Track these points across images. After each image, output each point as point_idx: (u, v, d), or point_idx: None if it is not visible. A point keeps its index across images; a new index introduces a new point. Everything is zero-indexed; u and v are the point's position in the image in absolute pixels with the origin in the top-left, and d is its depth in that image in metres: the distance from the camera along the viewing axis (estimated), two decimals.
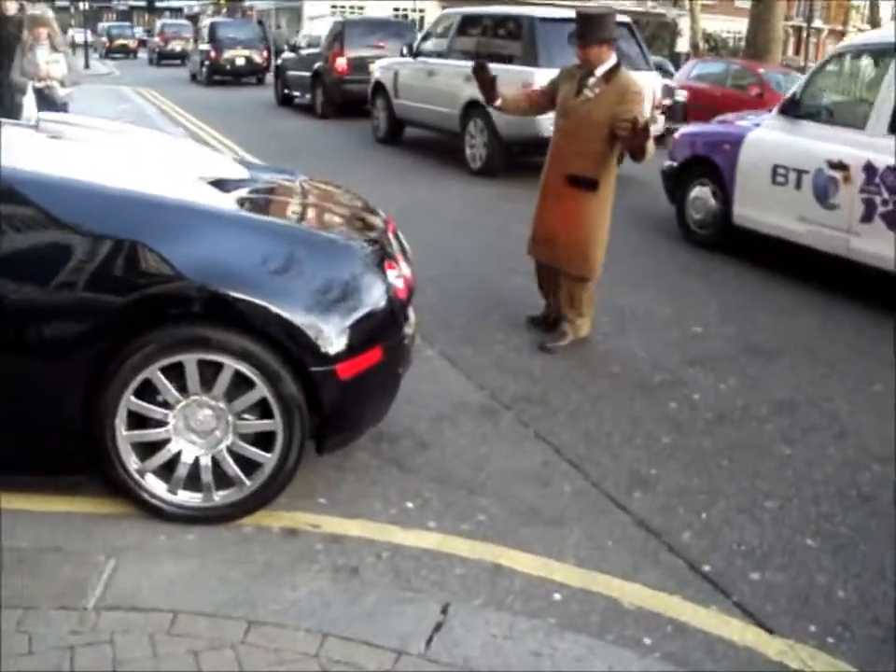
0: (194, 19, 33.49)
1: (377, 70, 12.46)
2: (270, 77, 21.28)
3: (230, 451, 2.92)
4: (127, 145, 3.52)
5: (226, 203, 3.19)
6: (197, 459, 2.93)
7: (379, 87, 12.26)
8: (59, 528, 2.89)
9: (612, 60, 4.52)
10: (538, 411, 4.09)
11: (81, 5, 40.01)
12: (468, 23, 10.71)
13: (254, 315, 2.81)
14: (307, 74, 15.66)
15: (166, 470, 2.95)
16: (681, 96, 13.07)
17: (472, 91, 8.47)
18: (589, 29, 4.48)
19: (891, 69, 5.60)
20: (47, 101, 7.32)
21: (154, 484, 2.94)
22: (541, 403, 4.18)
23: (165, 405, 2.87)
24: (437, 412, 4.01)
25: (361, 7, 32.37)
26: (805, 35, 39.80)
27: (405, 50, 11.74)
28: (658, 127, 9.53)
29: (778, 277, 6.37)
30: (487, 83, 4.77)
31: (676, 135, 7.67)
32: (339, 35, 14.95)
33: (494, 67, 9.24)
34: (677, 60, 23.54)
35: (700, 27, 25.24)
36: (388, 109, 12.02)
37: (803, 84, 6.42)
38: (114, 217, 2.87)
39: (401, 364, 3.23)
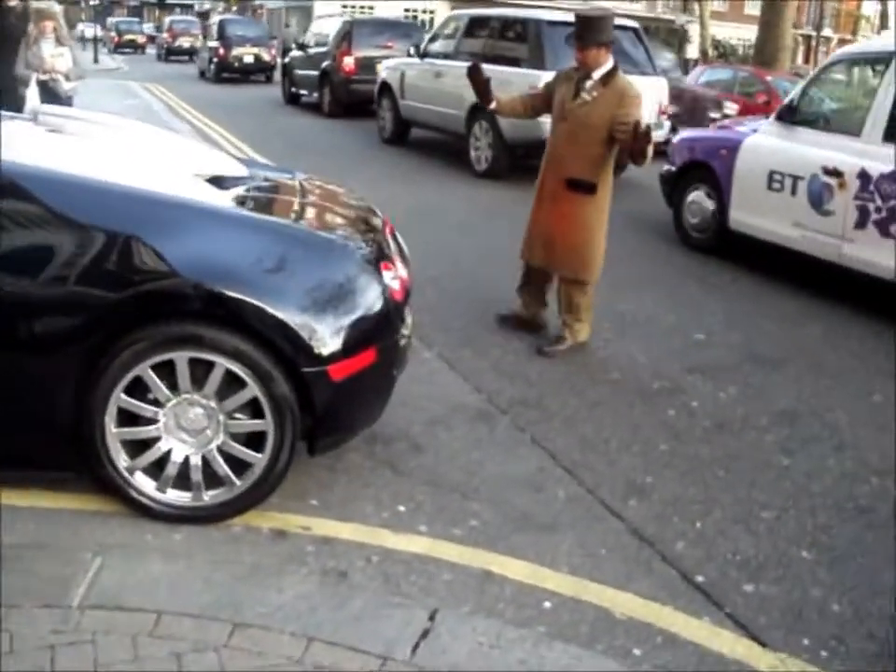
0: (204, 15, 33.51)
1: (384, 70, 12.44)
2: (278, 75, 21.29)
3: (220, 450, 2.89)
4: (125, 140, 3.49)
5: (223, 200, 3.16)
6: (187, 458, 2.90)
7: (385, 87, 12.24)
8: (46, 525, 2.86)
9: (610, 63, 4.50)
10: (534, 415, 4.06)
11: (92, 0, 40.11)
12: (475, 25, 10.69)
13: (247, 315, 2.78)
14: (315, 73, 15.65)
15: (156, 469, 2.93)
16: (731, 110, 12.97)
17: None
18: (587, 31, 4.46)
19: (887, 77, 5.64)
20: (51, 94, 7.32)
21: (143, 482, 2.91)
22: (538, 408, 4.14)
23: (156, 403, 2.84)
24: (432, 414, 3.98)
25: (371, 7, 32.37)
26: (814, 43, 39.73)
27: (412, 51, 11.72)
28: (663, 133, 9.50)
29: (780, 283, 6.34)
30: (482, 85, 4.75)
31: (675, 140, 7.71)
32: (347, 35, 14.94)
33: (500, 70, 9.35)
34: (686, 66, 23.46)
35: (709, 33, 25.20)
36: (394, 110, 12.00)
37: (800, 91, 6.45)
38: (109, 211, 2.84)
39: (396, 366, 3.20)
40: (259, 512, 3.01)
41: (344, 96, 14.78)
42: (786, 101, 6.51)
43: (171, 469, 2.89)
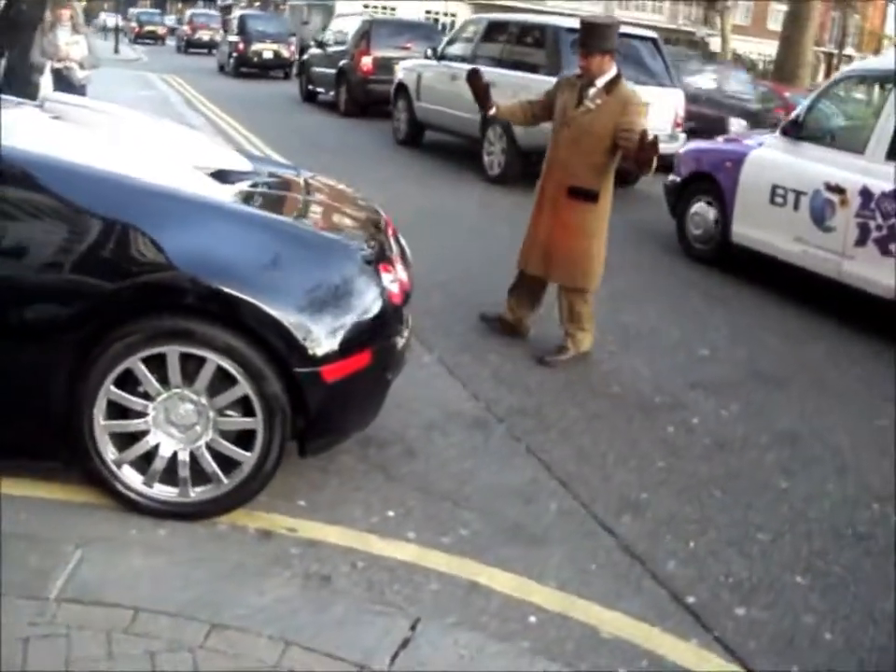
0: (227, 10, 33.59)
1: (400, 71, 12.41)
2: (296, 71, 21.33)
3: (209, 447, 2.86)
4: (127, 130, 3.46)
5: (223, 194, 3.13)
6: (175, 453, 2.86)
7: (401, 88, 12.22)
8: (32, 514, 2.82)
9: (613, 71, 4.47)
10: (531, 425, 4.01)
11: None
12: (493, 30, 10.65)
13: (242, 311, 2.74)
14: (332, 71, 15.64)
15: (144, 463, 2.89)
16: (736, 126, 12.87)
17: (495, 98, 8.43)
18: (592, 38, 4.44)
19: (892, 96, 5.62)
20: (64, 82, 7.32)
21: (130, 476, 2.87)
22: (536, 418, 4.09)
23: (146, 396, 2.81)
24: (428, 419, 3.93)
25: (393, 8, 32.41)
26: (836, 61, 39.58)
27: (429, 53, 11.69)
28: (679, 145, 9.43)
29: (785, 299, 6.30)
30: (481, 91, 4.72)
31: (681, 151, 7.70)
32: (366, 34, 14.92)
33: (518, 75, 9.30)
34: None
35: (730, 47, 25.11)
36: (410, 111, 11.97)
37: (806, 106, 6.43)
38: (105, 200, 2.81)
39: (391, 369, 3.16)
40: (245, 511, 2.98)
41: (361, 96, 14.76)
42: (792, 116, 6.51)
43: (158, 464, 2.86)
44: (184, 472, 2.86)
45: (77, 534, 2.72)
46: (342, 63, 15.17)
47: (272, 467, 2.88)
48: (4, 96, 3.73)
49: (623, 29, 10.09)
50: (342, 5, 32.18)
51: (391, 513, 3.15)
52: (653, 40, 9.63)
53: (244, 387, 2.78)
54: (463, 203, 8.86)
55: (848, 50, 40.02)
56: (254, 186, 3.60)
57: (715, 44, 33.16)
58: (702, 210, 7.07)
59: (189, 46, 33.18)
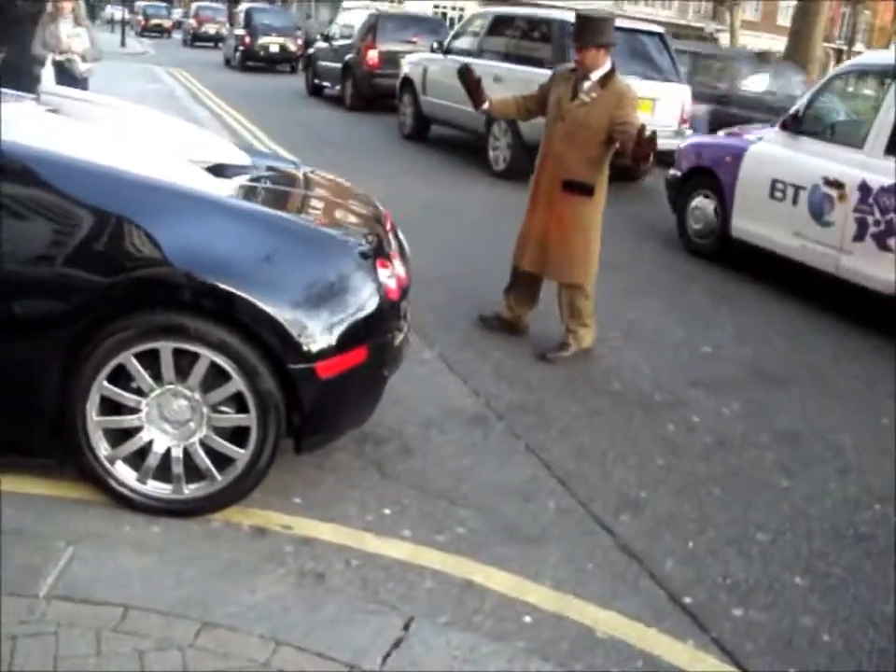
0: (234, 3, 33.56)
1: (406, 65, 12.36)
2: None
3: (202, 444, 2.84)
4: (123, 123, 3.44)
5: (219, 188, 3.10)
6: (169, 450, 2.84)
7: (407, 82, 12.17)
8: (24, 511, 2.80)
9: (608, 65, 4.46)
10: (531, 422, 3.98)
11: None
12: (499, 24, 10.60)
13: (236, 307, 2.71)
14: (338, 65, 15.60)
15: (138, 459, 2.87)
16: None
17: (500, 92, 8.42)
18: (587, 32, 4.42)
19: (891, 91, 5.60)
20: (66, 75, 7.29)
21: (124, 472, 2.85)
22: (536, 415, 4.07)
23: (139, 392, 2.79)
24: (427, 416, 3.91)
25: (401, 2, 32.35)
26: (845, 57, 39.34)
27: (435, 46, 11.64)
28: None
29: (789, 296, 6.26)
30: (473, 86, 4.69)
31: (682, 145, 7.67)
32: (372, 28, 14.86)
33: (524, 70, 9.25)
34: None
35: (739, 43, 24.97)
36: (415, 105, 11.93)
37: (805, 101, 6.41)
38: (100, 194, 2.78)
39: (388, 366, 3.13)
40: (240, 508, 2.96)
41: (367, 90, 14.71)
42: (791, 110, 6.48)
43: (152, 460, 2.84)
44: (177, 469, 2.84)
45: (70, 531, 2.71)
46: (348, 56, 15.12)
47: (266, 464, 2.86)
48: (3, 89, 3.71)
49: (630, 24, 10.09)
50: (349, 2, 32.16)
51: (387, 511, 3.12)
52: (660, 35, 9.57)
53: (237, 384, 2.75)
54: (468, 197, 8.83)
55: (858, 47, 39.74)
56: (251, 180, 3.57)
57: (724, 39, 33.01)
58: (702, 204, 7.08)
59: (196, 39, 33.14)
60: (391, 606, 2.58)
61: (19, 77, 6.23)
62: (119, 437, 2.85)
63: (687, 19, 40.24)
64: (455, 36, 11.71)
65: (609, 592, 2.82)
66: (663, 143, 8.43)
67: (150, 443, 2.84)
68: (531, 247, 4.70)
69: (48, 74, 6.39)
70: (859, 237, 5.58)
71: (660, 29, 9.78)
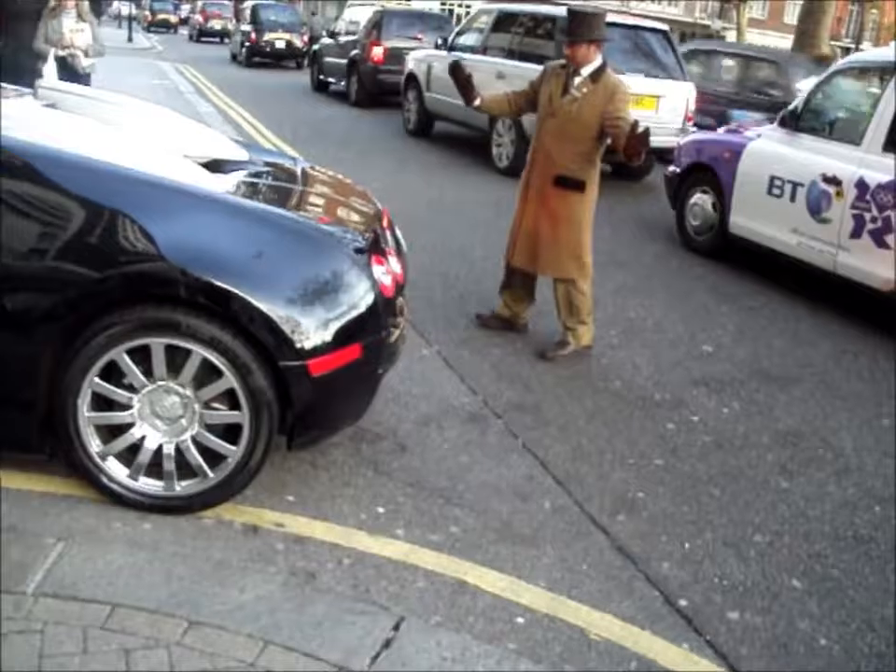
0: None
1: (410, 61, 12.32)
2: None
3: (194, 441, 2.81)
4: (121, 118, 3.41)
5: (213, 184, 3.07)
6: (161, 447, 2.82)
7: (411, 78, 12.14)
8: (14, 507, 2.78)
9: (598, 60, 4.45)
10: (529, 421, 3.95)
11: None
12: (504, 20, 10.54)
13: (230, 304, 2.69)
14: (343, 61, 15.57)
15: (130, 455, 2.85)
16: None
17: (503, 89, 8.39)
18: (578, 27, 4.41)
19: (889, 87, 5.57)
20: (69, 70, 7.28)
21: (115, 469, 2.83)
22: (534, 413, 4.04)
23: (130, 388, 2.76)
24: (424, 414, 3.88)
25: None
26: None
27: (440, 43, 11.60)
28: None
29: (790, 295, 6.23)
30: (464, 82, 4.66)
31: (681, 142, 7.65)
32: (377, 24, 14.83)
33: (528, 67, 9.20)
34: None
35: (745, 41, 24.86)
36: (420, 102, 11.89)
37: (804, 97, 6.38)
38: (94, 188, 2.76)
39: (382, 363, 3.10)
40: (232, 505, 2.94)
41: (372, 86, 14.68)
42: (790, 107, 6.46)
43: (143, 457, 2.81)
44: (169, 466, 2.81)
45: (60, 527, 2.69)
46: (353, 53, 15.09)
47: (258, 461, 2.83)
48: (1, 84, 3.69)
49: (634, 21, 10.02)
50: None
51: (381, 510, 3.10)
52: (664, 33, 9.51)
53: (229, 381, 2.73)
54: (470, 194, 8.79)
55: (865, 45, 39.57)
56: (248, 176, 3.55)
57: (731, 38, 32.89)
58: (701, 201, 7.07)
59: (202, 35, 33.18)
60: (382, 606, 2.55)
61: (18, 71, 6.21)
62: (110, 433, 2.82)
63: (694, 17, 40.10)
64: (460, 33, 11.67)
65: (604, 593, 2.79)
66: (667, 140, 8.47)
67: (142, 440, 2.81)
68: (522, 243, 4.68)
69: (50, 69, 6.37)
70: (856, 234, 5.55)
71: (664, 26, 9.73)
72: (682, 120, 9.22)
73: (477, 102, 4.72)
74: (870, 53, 6.43)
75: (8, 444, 2.87)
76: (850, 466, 3.83)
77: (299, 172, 3.87)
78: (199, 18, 34.18)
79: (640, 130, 3.96)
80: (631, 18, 10.41)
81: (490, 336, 4.92)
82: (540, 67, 8.51)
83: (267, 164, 3.86)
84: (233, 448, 2.81)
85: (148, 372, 2.74)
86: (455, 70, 4.66)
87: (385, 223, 3.50)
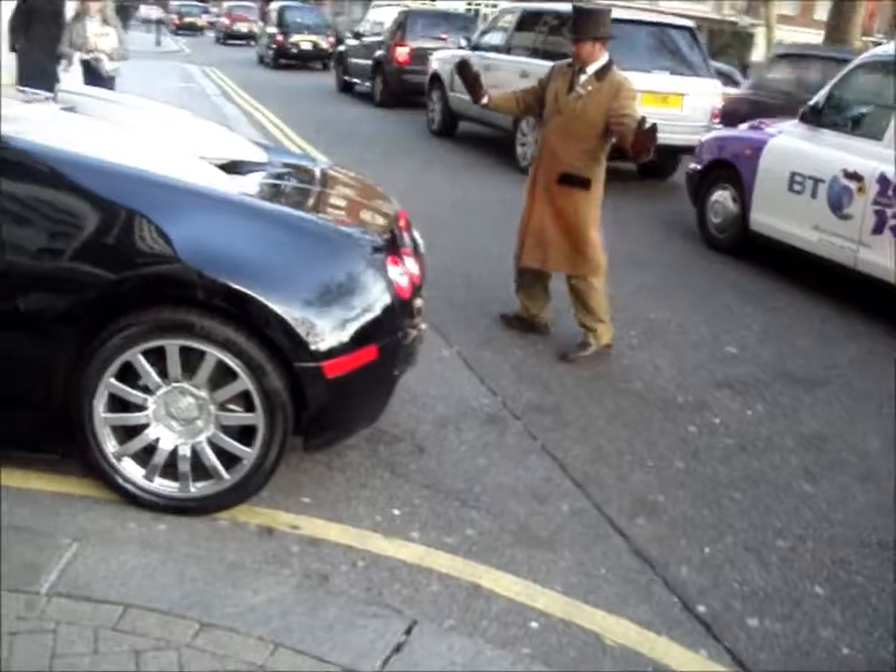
0: (266, 1, 33.79)
1: (435, 62, 12.32)
2: None
3: (210, 442, 2.81)
4: (139, 120, 3.43)
5: (232, 185, 3.07)
6: (176, 448, 2.82)
7: (436, 79, 12.14)
8: (31, 506, 2.80)
9: (604, 58, 4.43)
10: (548, 422, 3.92)
11: None
12: (527, 19, 10.50)
13: (246, 306, 2.68)
14: (368, 62, 15.60)
15: (146, 456, 2.86)
16: None
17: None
18: (583, 24, 4.39)
19: None
20: (94, 74, 7.35)
21: (131, 469, 2.84)
22: (554, 415, 4.00)
23: (146, 390, 2.77)
24: (442, 415, 3.86)
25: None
26: None
27: (463, 43, 11.58)
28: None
29: (816, 294, 6.14)
30: (471, 80, 4.65)
31: (703, 139, 7.58)
32: (401, 25, 14.85)
33: (551, 65, 9.15)
34: (747, 69, 22.94)
35: (774, 37, 24.59)
36: (444, 102, 11.89)
37: (825, 93, 6.30)
38: (111, 191, 2.76)
39: (399, 364, 3.08)
40: (247, 507, 2.93)
41: (396, 86, 14.71)
42: (811, 102, 6.38)
43: (158, 458, 2.82)
44: (184, 467, 2.82)
45: (75, 527, 2.70)
46: (377, 53, 15.12)
47: (273, 463, 2.83)
48: (21, 87, 3.73)
49: (659, 18, 9.93)
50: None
51: (396, 512, 3.08)
52: (690, 30, 9.42)
53: (244, 382, 2.72)
54: (494, 194, 8.75)
55: None
56: (266, 177, 3.55)
57: (759, 35, 32.55)
58: (722, 198, 7.02)
59: (228, 37, 33.44)
60: (395, 609, 2.53)
61: (37, 74, 6.27)
62: (126, 434, 2.83)
63: (722, 13, 39.74)
64: (484, 33, 11.64)
65: (621, 598, 2.75)
66: (692, 138, 8.38)
67: (157, 441, 2.82)
68: (530, 242, 4.68)
69: (75, 72, 6.43)
70: (878, 230, 5.47)
71: (690, 23, 9.63)
72: (708, 118, 9.13)
73: (484, 100, 4.72)
74: (891, 47, 6.30)
75: (26, 444, 2.88)
76: (876, 470, 3.75)
77: (317, 173, 3.87)
78: (225, 21, 34.45)
79: (648, 126, 3.92)
80: (656, 15, 10.33)
81: (512, 337, 4.89)
82: None
83: (285, 165, 3.86)
84: (248, 450, 2.80)
85: (164, 374, 2.75)
86: (462, 68, 4.66)
87: (402, 223, 3.49)
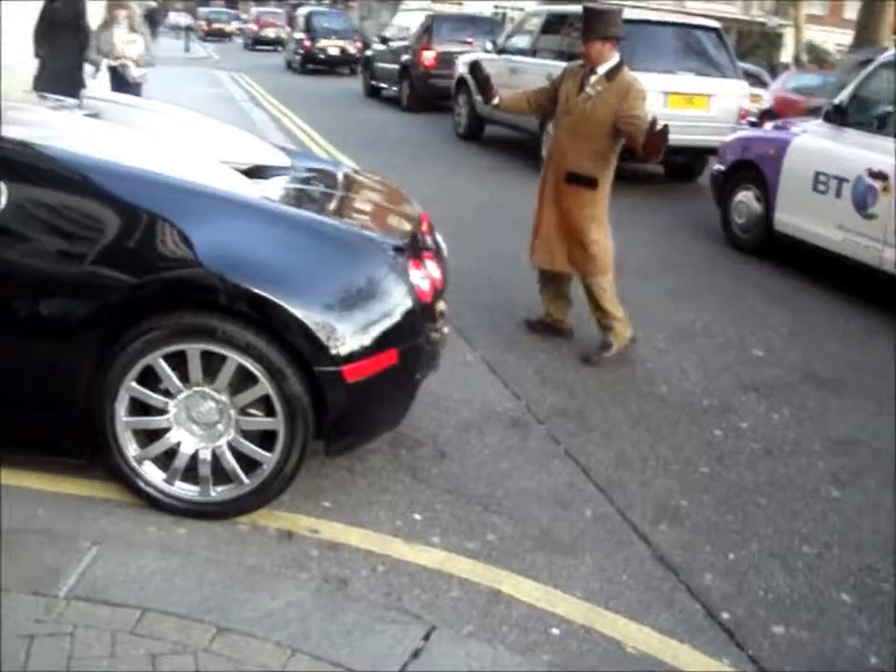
0: (294, 6, 34.07)
1: (461, 65, 12.31)
2: None
3: (230, 446, 2.82)
4: (162, 126, 3.46)
5: (253, 190, 3.09)
6: (197, 452, 2.83)
7: (462, 82, 12.12)
8: (52, 509, 2.82)
9: (615, 59, 4.41)
10: (572, 427, 3.89)
11: None
12: (553, 22, 10.47)
13: (267, 311, 2.68)
14: (395, 66, 15.65)
15: (167, 460, 2.87)
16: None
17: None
18: (593, 25, 4.37)
19: None
20: (120, 80, 7.44)
21: (151, 473, 2.85)
22: (577, 419, 3.97)
23: (167, 394, 2.78)
24: (465, 419, 3.84)
25: (460, 3, 32.31)
26: None
27: (489, 47, 11.57)
28: None
29: (843, 295, 6.06)
30: (482, 81, 4.67)
31: (727, 139, 7.53)
32: (428, 29, 14.88)
33: None
34: (776, 70, 22.70)
35: (803, 37, 24.32)
36: (470, 105, 11.88)
37: (849, 92, 6.22)
38: (134, 196, 2.78)
39: (420, 369, 3.07)
40: (268, 511, 2.93)
41: (423, 90, 14.73)
42: (835, 101, 6.30)
43: (179, 462, 2.83)
44: (205, 471, 2.82)
45: (96, 531, 2.72)
46: (404, 58, 15.16)
47: (293, 468, 2.82)
48: (46, 94, 3.77)
49: (685, 19, 9.85)
50: (409, 3, 32.29)
51: (417, 516, 3.07)
52: (716, 31, 9.34)
53: (265, 387, 2.73)
54: (519, 197, 8.68)
55: None
56: (289, 182, 3.56)
57: (788, 35, 32.21)
58: (746, 199, 6.97)
59: (256, 43, 33.74)
60: (414, 615, 2.52)
61: (60, 81, 6.34)
62: (147, 437, 2.85)
63: (750, 14, 39.38)
64: (510, 36, 11.62)
65: (643, 605, 2.72)
66: (718, 139, 8.30)
67: (178, 444, 2.83)
68: (541, 243, 4.69)
69: (103, 79, 6.50)
70: None
71: (716, 24, 9.55)
72: (735, 119, 9.04)
73: (496, 101, 4.73)
74: None
75: (48, 448, 2.91)
76: None
77: (340, 177, 3.87)
78: (253, 26, 34.75)
79: (659, 127, 3.89)
80: (682, 16, 10.26)
81: (536, 341, 4.87)
82: None
83: (308, 170, 3.87)
84: (269, 454, 2.80)
85: (185, 378, 2.76)
86: (474, 69, 4.69)
87: (424, 227, 3.48)
